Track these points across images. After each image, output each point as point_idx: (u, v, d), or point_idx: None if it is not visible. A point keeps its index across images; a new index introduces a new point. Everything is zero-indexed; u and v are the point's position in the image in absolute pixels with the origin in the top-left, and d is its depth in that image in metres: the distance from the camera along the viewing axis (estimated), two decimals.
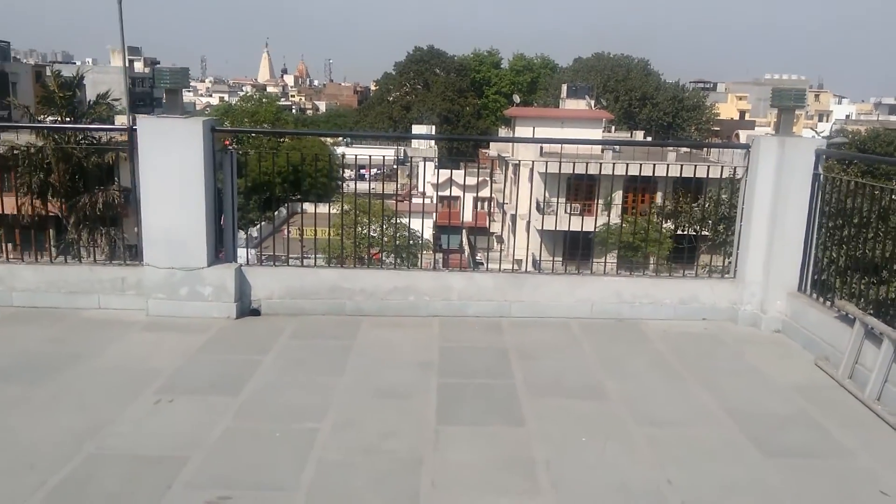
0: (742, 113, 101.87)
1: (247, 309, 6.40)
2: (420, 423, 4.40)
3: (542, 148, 40.03)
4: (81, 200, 30.84)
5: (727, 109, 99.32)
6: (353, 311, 6.45)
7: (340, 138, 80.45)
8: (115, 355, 5.45)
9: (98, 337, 5.80)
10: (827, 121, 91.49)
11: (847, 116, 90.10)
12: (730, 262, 6.78)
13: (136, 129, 6.07)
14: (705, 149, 48.88)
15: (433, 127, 72.74)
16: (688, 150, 52.20)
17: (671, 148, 52.13)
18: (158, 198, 6.10)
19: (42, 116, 39.67)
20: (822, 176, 5.98)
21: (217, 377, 5.05)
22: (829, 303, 5.76)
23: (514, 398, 4.81)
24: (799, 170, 6.03)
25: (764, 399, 4.94)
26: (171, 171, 6.06)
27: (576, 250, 27.55)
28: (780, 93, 6.14)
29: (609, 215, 35.10)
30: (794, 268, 6.16)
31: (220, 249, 6.46)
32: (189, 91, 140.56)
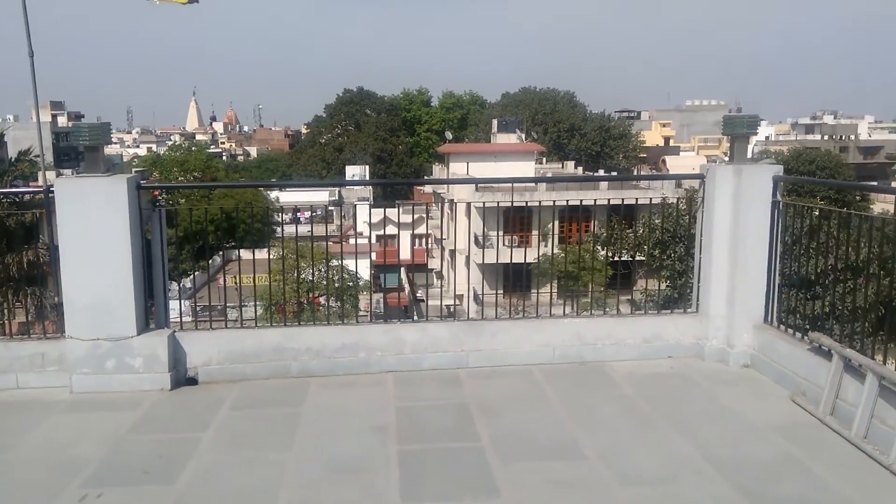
0: (667, 139, 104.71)
1: (182, 378, 5.86)
2: (382, 503, 3.96)
3: (476, 184, 40.22)
4: (5, 260, 29.45)
5: (652, 136, 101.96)
6: (300, 372, 5.98)
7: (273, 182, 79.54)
8: (34, 444, 4.86)
9: (14, 422, 5.20)
10: (748, 143, 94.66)
11: (767, 137, 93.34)
12: (690, 296, 6.56)
13: (52, 191, 5.54)
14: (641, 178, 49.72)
15: (367, 167, 72.51)
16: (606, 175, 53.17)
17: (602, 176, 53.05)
18: (80, 263, 5.56)
19: None
20: (780, 203, 5.81)
21: (151, 462, 4.51)
22: (798, 334, 5.56)
23: (483, 464, 4.41)
24: (757, 197, 5.86)
25: (745, 444, 4.66)
26: (93, 235, 5.53)
27: (517, 282, 27.51)
28: (732, 120, 5.98)
29: (548, 245, 35.28)
30: (758, 299, 5.95)
31: (150, 308, 5.92)
32: (115, 143, 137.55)
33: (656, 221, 29.69)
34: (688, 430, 4.85)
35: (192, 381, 5.89)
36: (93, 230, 5.52)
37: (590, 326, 6.26)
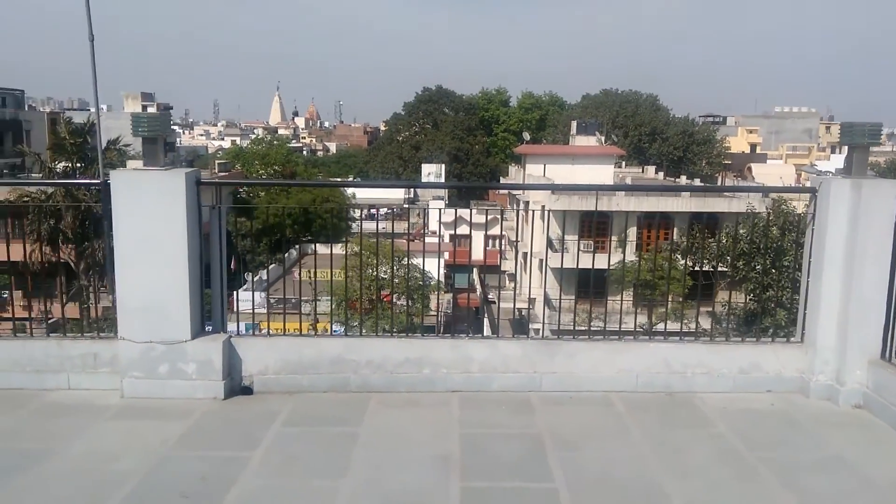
0: (753, 146, 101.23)
1: (237, 387, 5.53)
2: None
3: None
4: (91, 247, 30.33)
5: (738, 143, 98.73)
6: (359, 386, 5.57)
7: (350, 178, 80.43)
8: (76, 453, 4.58)
9: (62, 426, 4.95)
10: (839, 152, 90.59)
11: None
12: (794, 324, 5.87)
13: (109, 183, 5.28)
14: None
15: (443, 166, 72.41)
16: (701, 185, 51.43)
17: (685, 183, 51.42)
18: (135, 260, 5.28)
19: (54, 163, 39.52)
20: None
21: (192, 484, 4.16)
22: None
23: None
24: (879, 216, 5.15)
25: None
26: (148, 230, 5.25)
27: (590, 289, 26.63)
28: (852, 128, 5.28)
29: (625, 252, 34.17)
30: (875, 331, 5.24)
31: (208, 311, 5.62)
32: (202, 136, 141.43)
33: (741, 231, 28.49)
34: (793, 483, 4.22)
35: (247, 391, 5.55)
36: (148, 227, 5.23)
37: (679, 352, 5.66)
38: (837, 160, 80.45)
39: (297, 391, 5.54)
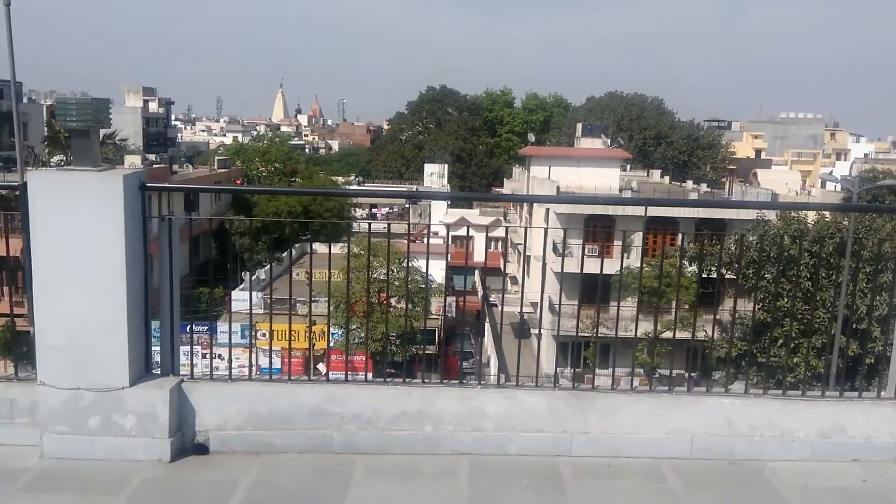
0: (758, 151, 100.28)
1: (189, 445, 4.39)
2: None
3: (558, 188, 38.17)
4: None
5: (743, 148, 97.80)
6: (344, 446, 4.44)
7: (352, 177, 79.32)
8: None
9: None
10: (845, 159, 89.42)
11: (865, 155, 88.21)
12: (887, 377, 4.74)
13: (27, 186, 4.15)
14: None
15: (446, 166, 71.36)
16: (709, 189, 50.24)
17: (692, 187, 50.24)
18: (57, 285, 4.13)
19: (50, 156, 38.38)
20: None
21: None
22: None
23: None
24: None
25: None
26: (76, 247, 4.10)
27: (595, 294, 25.49)
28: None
29: (630, 257, 33.00)
30: None
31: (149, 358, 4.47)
32: (203, 131, 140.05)
33: (751, 238, 27.35)
34: None
35: (202, 450, 4.41)
36: (76, 243, 4.08)
37: (744, 410, 4.51)
38: (843, 167, 79.37)
39: (266, 451, 4.40)
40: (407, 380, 4.69)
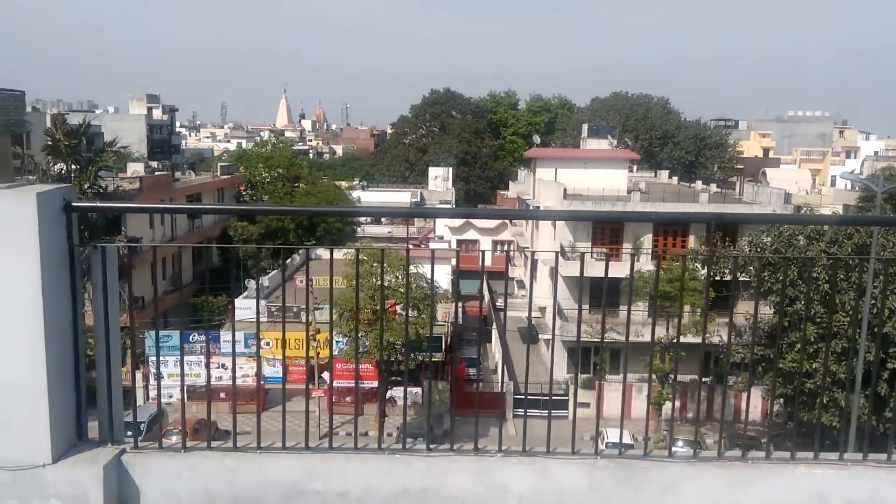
0: (766, 150, 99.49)
1: None
2: None
3: (565, 190, 37.50)
4: None
5: (750, 147, 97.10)
6: None
7: (356, 181, 78.78)
8: None
9: None
10: (855, 157, 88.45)
11: (876, 153, 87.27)
12: None
13: None
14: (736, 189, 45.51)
15: (450, 169, 70.81)
16: (720, 190, 49.46)
17: (701, 188, 49.47)
18: None
19: (50, 165, 37.92)
20: None
21: None
22: None
23: None
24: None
25: None
26: None
27: (601, 298, 24.89)
28: None
29: (639, 260, 32.39)
30: None
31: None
32: (208, 137, 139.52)
33: (765, 240, 26.69)
34: None
35: None
36: None
37: (838, 481, 3.62)
38: (853, 164, 78.51)
39: None
40: (408, 446, 3.83)
